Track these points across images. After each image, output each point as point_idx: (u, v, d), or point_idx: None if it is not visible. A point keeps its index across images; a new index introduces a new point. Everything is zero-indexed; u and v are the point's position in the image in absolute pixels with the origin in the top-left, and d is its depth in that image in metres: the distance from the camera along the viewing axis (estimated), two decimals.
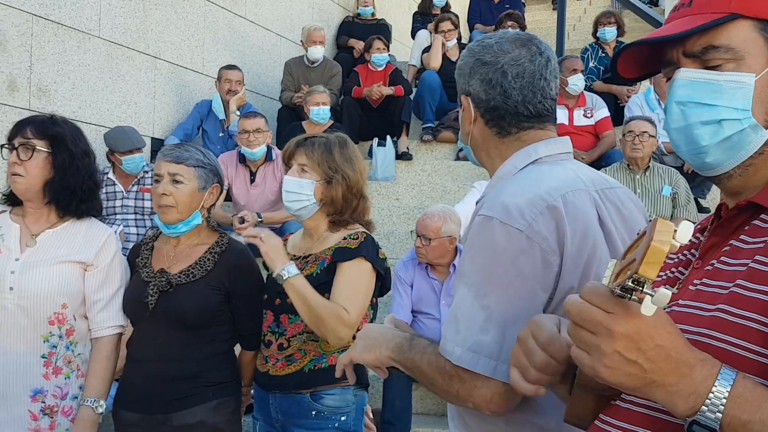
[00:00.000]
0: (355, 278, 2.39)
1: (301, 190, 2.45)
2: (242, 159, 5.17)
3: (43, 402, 2.33)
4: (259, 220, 4.89)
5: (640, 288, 0.86)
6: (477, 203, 1.50)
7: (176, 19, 6.16)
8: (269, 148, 5.19)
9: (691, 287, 1.08)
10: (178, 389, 2.41)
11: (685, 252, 1.18)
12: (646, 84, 6.74)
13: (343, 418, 2.40)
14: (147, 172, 4.98)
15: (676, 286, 1.11)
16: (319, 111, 5.76)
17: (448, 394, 1.38)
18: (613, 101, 6.46)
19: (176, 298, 2.42)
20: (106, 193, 4.92)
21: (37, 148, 2.39)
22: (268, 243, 2.39)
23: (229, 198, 5.30)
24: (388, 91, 6.42)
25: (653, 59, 1.16)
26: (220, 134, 5.92)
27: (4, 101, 4.71)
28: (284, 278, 2.33)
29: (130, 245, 4.76)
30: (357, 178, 2.50)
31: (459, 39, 7.04)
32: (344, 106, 6.45)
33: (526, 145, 1.50)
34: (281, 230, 4.89)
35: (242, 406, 2.61)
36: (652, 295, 0.85)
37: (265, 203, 5.12)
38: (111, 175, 4.92)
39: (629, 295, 0.87)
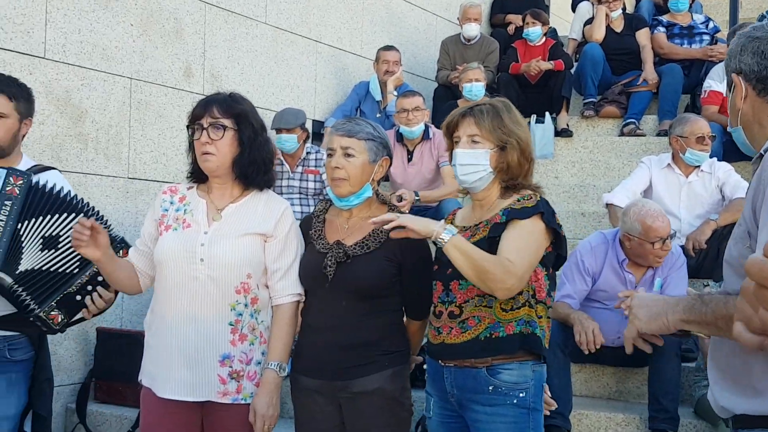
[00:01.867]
0: (526, 234, 2.33)
1: (476, 161, 2.41)
2: (399, 138, 5.21)
3: (231, 367, 2.44)
4: (417, 198, 4.91)
5: None
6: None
7: (336, 3, 6.29)
8: (426, 127, 5.19)
9: None
10: (355, 357, 2.46)
11: None
12: None
13: (521, 394, 2.34)
14: (310, 153, 5.13)
15: None
16: (473, 87, 5.69)
17: None
18: None
19: (353, 269, 2.47)
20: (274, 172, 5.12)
21: (227, 126, 2.49)
22: (403, 218, 2.33)
23: (386, 177, 5.37)
24: (547, 65, 6.24)
25: None
26: (378, 115, 6.00)
27: (181, 87, 5.00)
28: (444, 241, 2.28)
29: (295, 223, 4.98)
30: (528, 140, 2.47)
31: (624, 9, 6.72)
32: (501, 83, 6.33)
33: None
34: (438, 208, 4.89)
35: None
36: None
37: (422, 181, 5.13)
38: (280, 156, 5.10)
39: None
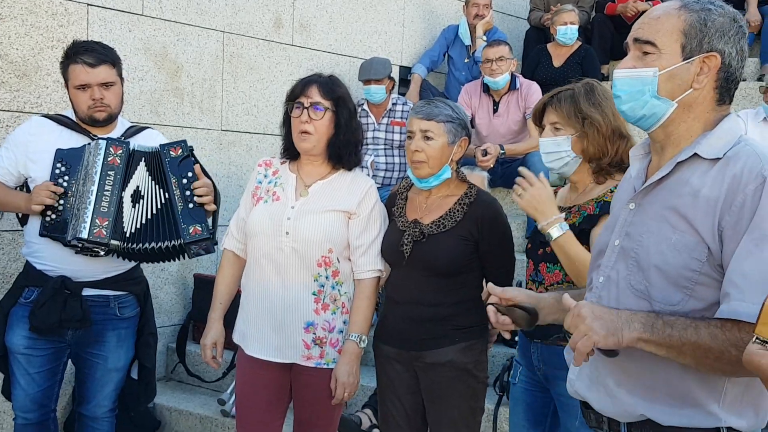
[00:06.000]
0: None
1: (558, 148, 2.46)
2: (486, 88, 5.17)
3: (314, 333, 2.61)
4: (502, 152, 4.90)
5: (764, 344, 0.90)
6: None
7: None
8: (513, 77, 5.13)
9: None
10: (429, 330, 2.58)
11: None
12: None
13: None
14: (396, 104, 5.16)
15: None
16: (567, 31, 5.54)
17: (743, 366, 1.36)
18: None
19: (428, 248, 2.56)
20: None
21: (327, 108, 2.60)
22: (526, 195, 2.39)
23: (472, 126, 5.36)
24: (644, 6, 5.98)
25: None
26: (466, 60, 5.94)
27: (271, 38, 5.10)
28: (552, 237, 2.33)
29: (380, 173, 5.08)
30: (608, 120, 2.44)
31: None
32: (595, 24, 6.14)
33: None
34: (524, 161, 4.88)
35: (488, 346, 2.72)
36: None
37: (507, 133, 5.11)
38: (366, 107, 5.17)
39: None
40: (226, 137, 4.88)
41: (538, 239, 2.49)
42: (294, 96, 2.63)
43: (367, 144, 5.15)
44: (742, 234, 1.47)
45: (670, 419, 1.57)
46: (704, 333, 1.46)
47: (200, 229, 2.78)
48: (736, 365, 1.42)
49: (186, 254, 2.85)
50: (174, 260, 2.92)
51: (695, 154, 1.58)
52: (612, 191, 2.40)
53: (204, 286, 4.47)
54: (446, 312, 2.58)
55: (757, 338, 0.89)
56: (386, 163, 5.11)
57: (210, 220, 2.83)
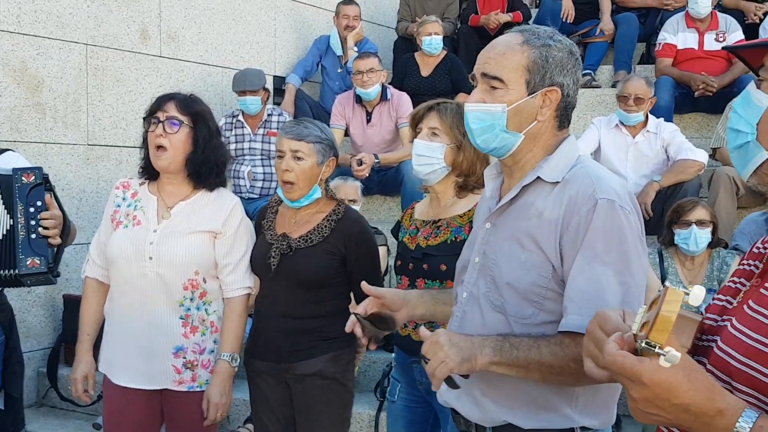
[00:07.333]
0: None
1: (431, 153, 2.50)
2: (359, 99, 5.28)
3: (185, 357, 2.60)
4: (377, 161, 5.02)
5: (653, 350, 0.98)
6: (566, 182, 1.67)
7: None
8: (384, 88, 5.26)
9: (745, 307, 1.14)
10: (298, 342, 2.64)
11: (750, 261, 1.23)
12: None
13: None
14: (272, 115, 5.18)
15: (738, 298, 1.18)
16: (431, 41, 5.71)
17: (582, 376, 1.46)
18: (741, 18, 6.05)
19: (295, 261, 2.62)
20: (236, 135, 5.19)
21: (183, 123, 2.56)
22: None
23: (346, 133, 5.44)
24: (505, 18, 6.27)
25: None
26: (339, 70, 6.04)
27: (138, 50, 5.01)
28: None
29: (258, 183, 5.09)
30: None
31: None
32: (461, 35, 6.37)
33: None
34: (398, 170, 5.02)
35: (356, 359, 2.80)
36: (664, 355, 0.98)
37: (381, 142, 5.24)
38: (241, 118, 5.16)
39: (653, 349, 1.00)
40: (94, 152, 4.75)
41: (408, 255, 2.56)
42: (151, 112, 2.59)
43: (244, 155, 5.15)
44: (577, 252, 1.60)
45: (531, 423, 1.70)
46: (546, 351, 1.58)
47: (38, 262, 2.63)
48: (576, 376, 1.57)
49: (22, 284, 2.72)
50: (11, 287, 2.79)
51: (538, 178, 1.71)
52: (472, 210, 2.46)
53: (74, 306, 4.32)
54: (314, 324, 2.64)
55: (647, 343, 1.00)
56: (264, 173, 5.13)
57: (52, 253, 2.66)
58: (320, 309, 2.65)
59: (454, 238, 2.48)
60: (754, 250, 1.21)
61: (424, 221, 2.60)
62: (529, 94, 1.69)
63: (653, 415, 1.02)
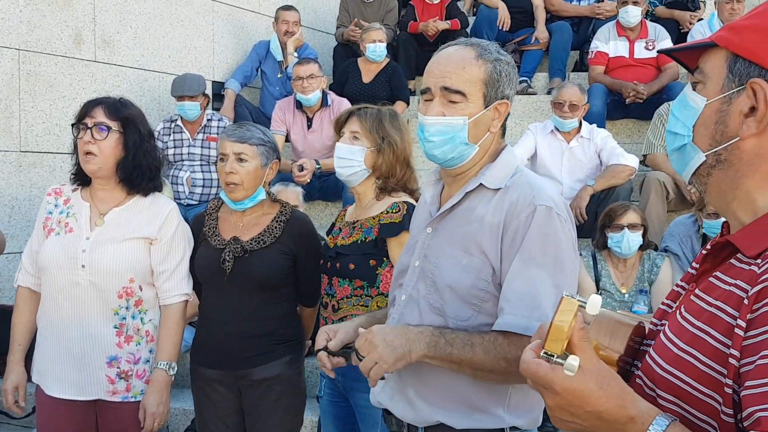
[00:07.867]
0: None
1: (352, 156, 2.57)
2: (299, 105, 5.28)
3: (118, 367, 2.56)
4: (318, 167, 5.03)
5: (551, 359, 1.01)
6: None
7: None
8: (325, 94, 5.27)
9: (677, 313, 1.16)
10: (255, 346, 2.63)
11: (696, 265, 1.23)
12: (710, 10, 6.50)
13: None
14: (211, 120, 5.15)
15: (678, 302, 1.20)
16: (376, 48, 5.75)
17: (512, 375, 1.58)
18: (675, 27, 6.28)
19: (251, 263, 2.61)
20: (174, 140, 5.13)
21: (112, 128, 2.52)
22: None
23: (287, 139, 5.43)
24: (443, 25, 6.35)
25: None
26: (279, 75, 6.02)
27: (71, 54, 4.91)
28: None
29: (198, 189, 5.04)
30: (404, 147, 2.64)
31: None
32: (400, 42, 6.42)
33: None
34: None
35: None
36: (562, 364, 1.01)
37: (322, 148, 5.24)
38: (179, 123, 5.11)
39: (551, 358, 1.03)
40: (27, 159, 4.64)
41: (329, 254, 2.61)
42: (79, 118, 2.55)
43: (183, 160, 5.09)
44: (514, 255, 1.67)
45: (463, 423, 1.74)
46: (479, 350, 1.64)
47: None
48: (506, 374, 1.64)
49: None
50: None
51: (481, 184, 1.77)
52: (388, 212, 2.54)
53: (7, 317, 4.20)
54: (270, 326, 2.64)
55: (544, 353, 1.03)
56: (203, 179, 5.08)
57: None
58: (275, 311, 2.67)
59: (364, 239, 2.55)
60: (703, 251, 1.21)
61: (347, 222, 2.67)
62: (485, 107, 1.76)
63: (569, 422, 1.05)
